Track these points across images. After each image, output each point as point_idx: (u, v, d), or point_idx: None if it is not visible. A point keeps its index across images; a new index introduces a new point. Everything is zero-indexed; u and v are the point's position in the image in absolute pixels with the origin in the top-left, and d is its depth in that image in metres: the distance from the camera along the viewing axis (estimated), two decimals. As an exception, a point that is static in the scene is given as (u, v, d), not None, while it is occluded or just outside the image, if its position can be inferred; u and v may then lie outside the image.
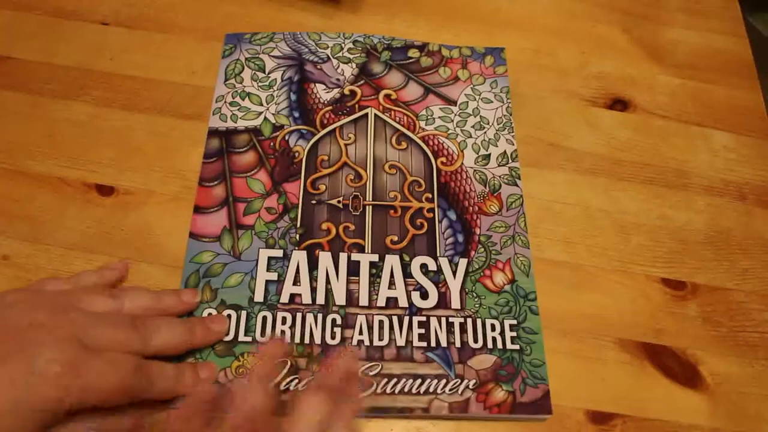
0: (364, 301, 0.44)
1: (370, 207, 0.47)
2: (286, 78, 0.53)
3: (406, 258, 0.45)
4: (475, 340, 0.43)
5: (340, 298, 0.44)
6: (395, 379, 0.41)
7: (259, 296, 0.43)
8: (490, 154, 0.51)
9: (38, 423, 0.31)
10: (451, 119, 0.52)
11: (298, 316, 0.43)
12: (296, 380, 0.41)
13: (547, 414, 0.41)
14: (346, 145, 0.50)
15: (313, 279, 0.44)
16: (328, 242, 0.46)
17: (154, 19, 0.56)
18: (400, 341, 0.42)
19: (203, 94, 0.52)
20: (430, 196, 0.48)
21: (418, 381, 0.41)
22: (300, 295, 0.43)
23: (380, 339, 0.42)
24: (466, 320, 0.43)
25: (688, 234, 0.49)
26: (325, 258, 0.45)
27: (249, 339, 0.42)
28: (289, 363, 0.41)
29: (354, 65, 0.54)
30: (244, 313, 0.42)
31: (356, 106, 0.52)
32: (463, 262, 0.46)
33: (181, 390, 0.37)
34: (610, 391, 0.43)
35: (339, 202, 0.47)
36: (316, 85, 0.53)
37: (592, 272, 0.47)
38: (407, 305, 0.44)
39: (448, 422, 0.41)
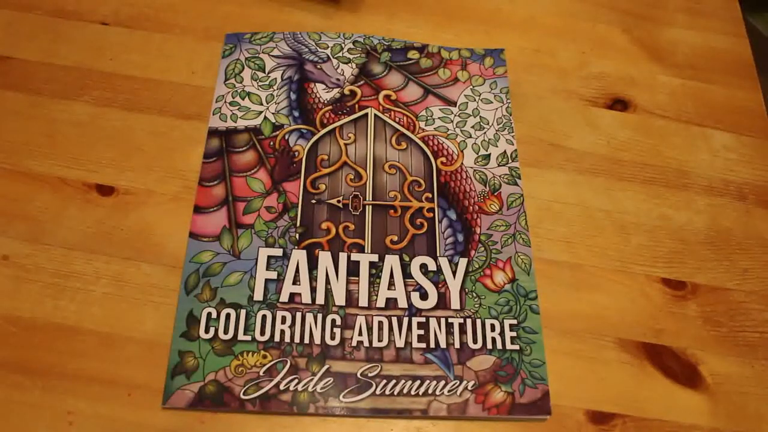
0: (363, 301, 0.44)
1: (370, 207, 0.47)
2: (286, 77, 0.53)
3: (406, 258, 0.45)
4: (475, 341, 0.43)
5: (339, 298, 0.44)
6: (394, 381, 0.41)
7: (258, 295, 0.43)
8: (490, 154, 0.51)
9: None
10: (451, 120, 0.52)
11: (298, 315, 0.43)
12: (296, 380, 0.41)
13: (546, 415, 0.41)
14: (346, 144, 0.50)
15: (312, 278, 0.44)
16: (328, 242, 0.46)
17: (153, 19, 0.56)
18: (400, 342, 0.42)
19: (203, 94, 0.52)
20: (430, 195, 0.48)
21: (417, 382, 0.41)
22: (300, 294, 0.43)
23: (380, 340, 0.42)
24: (465, 321, 0.43)
25: (688, 234, 0.49)
26: (324, 258, 0.45)
27: (248, 338, 0.42)
28: (289, 363, 0.41)
29: (354, 65, 0.54)
30: (243, 312, 0.43)
31: (356, 106, 0.52)
32: (463, 262, 0.46)
33: None
34: (610, 391, 0.43)
35: (339, 201, 0.47)
36: (316, 84, 0.53)
37: (592, 272, 0.47)
38: (407, 306, 0.44)
39: (449, 422, 0.41)
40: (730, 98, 0.57)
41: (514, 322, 0.44)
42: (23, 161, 0.48)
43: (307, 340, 0.42)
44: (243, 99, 0.52)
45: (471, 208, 0.48)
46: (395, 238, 0.46)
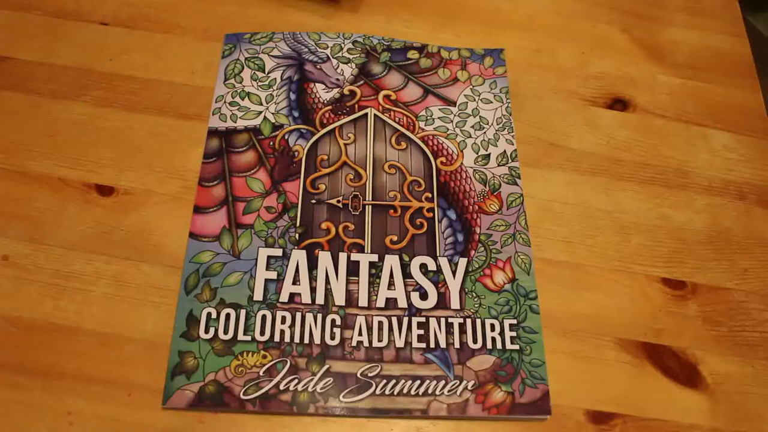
0: (363, 301, 0.44)
1: (370, 207, 0.47)
2: (285, 77, 0.53)
3: (406, 258, 0.45)
4: (475, 341, 0.43)
5: (339, 298, 0.44)
6: (394, 381, 0.41)
7: (258, 295, 0.43)
8: (489, 154, 0.51)
9: None
10: (451, 120, 0.52)
11: (298, 315, 0.43)
12: (296, 380, 0.41)
13: (546, 414, 0.41)
14: (345, 144, 0.50)
15: (312, 278, 0.44)
16: (328, 242, 0.46)
17: (154, 19, 0.56)
18: (400, 342, 0.42)
19: (203, 94, 0.52)
20: (429, 195, 0.48)
21: (417, 382, 0.41)
22: (299, 294, 0.43)
23: (379, 340, 0.42)
24: (465, 320, 0.43)
25: (688, 234, 0.49)
26: (324, 258, 0.45)
27: (248, 338, 0.42)
28: (289, 363, 0.41)
29: (353, 65, 0.54)
30: (243, 312, 0.43)
31: (356, 106, 0.52)
32: (462, 262, 0.46)
33: None
34: (610, 391, 0.43)
35: (338, 201, 0.47)
36: (316, 84, 0.53)
37: (592, 272, 0.47)
38: (406, 306, 0.44)
39: (449, 422, 0.41)
40: (730, 98, 0.57)
41: (514, 321, 0.44)
42: (23, 161, 0.48)
43: (307, 340, 0.42)
44: (243, 99, 0.52)
45: (471, 207, 0.48)
46: (395, 238, 0.46)
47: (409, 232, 0.47)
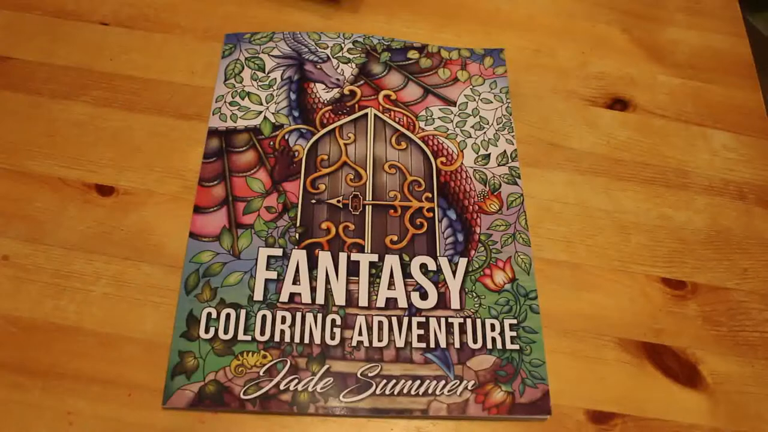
0: (363, 301, 0.44)
1: (370, 207, 0.47)
2: (285, 77, 0.53)
3: (406, 258, 0.45)
4: (475, 341, 0.43)
5: (339, 298, 0.44)
6: (394, 381, 0.41)
7: (258, 295, 0.43)
8: (489, 154, 0.51)
9: None
10: (451, 119, 0.52)
11: (298, 315, 0.43)
12: (296, 380, 0.41)
13: (546, 414, 0.41)
14: (345, 144, 0.50)
15: (312, 278, 0.44)
16: (328, 242, 0.46)
17: (154, 19, 0.56)
18: (400, 342, 0.42)
19: (203, 94, 0.52)
20: (429, 195, 0.48)
21: (417, 382, 0.41)
22: (299, 294, 0.43)
23: (380, 340, 0.42)
24: (465, 320, 0.43)
25: (688, 234, 0.49)
26: (324, 257, 0.45)
27: (248, 338, 0.42)
28: (289, 363, 0.41)
29: (354, 65, 0.54)
30: (243, 312, 0.43)
31: (356, 106, 0.52)
32: (462, 262, 0.46)
33: None
34: (610, 391, 0.43)
35: (339, 201, 0.47)
36: (316, 84, 0.53)
37: (592, 272, 0.47)
38: (407, 306, 0.44)
39: (449, 421, 0.41)
40: (730, 98, 0.57)
41: (514, 321, 0.44)
42: (23, 161, 0.48)
43: (307, 340, 0.42)
44: (243, 99, 0.52)
45: (471, 207, 0.48)
46: (395, 238, 0.46)
47: (409, 232, 0.47)
